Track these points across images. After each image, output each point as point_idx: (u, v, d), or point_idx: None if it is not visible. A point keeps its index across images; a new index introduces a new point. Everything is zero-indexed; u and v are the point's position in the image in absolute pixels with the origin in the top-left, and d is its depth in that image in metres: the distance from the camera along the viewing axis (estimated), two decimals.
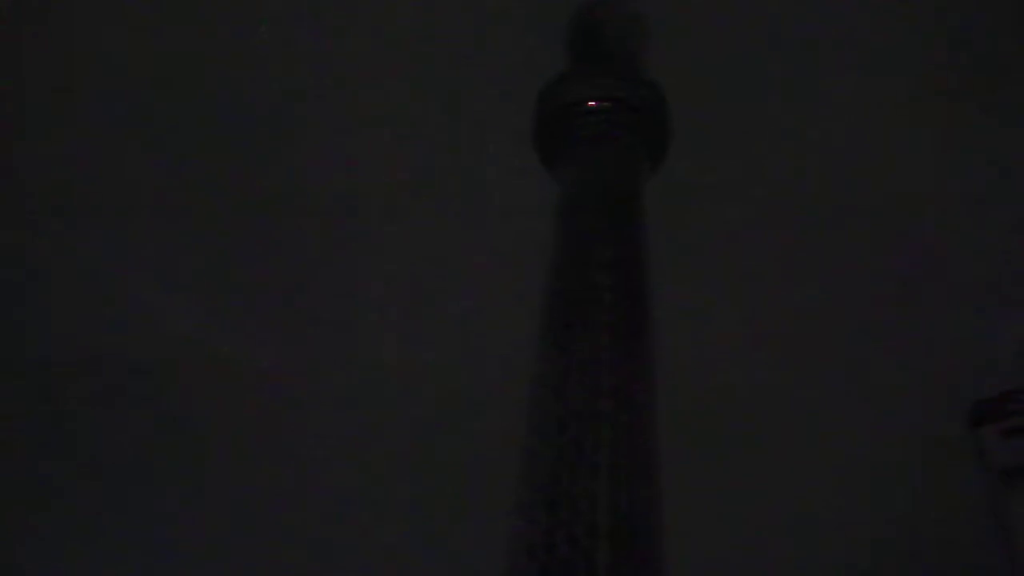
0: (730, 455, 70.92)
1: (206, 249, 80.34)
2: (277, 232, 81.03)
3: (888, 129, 79.67)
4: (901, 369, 73.20)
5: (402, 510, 72.14)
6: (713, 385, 72.87)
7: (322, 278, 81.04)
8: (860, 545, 66.04)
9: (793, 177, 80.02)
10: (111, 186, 79.71)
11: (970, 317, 71.79)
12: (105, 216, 79.22)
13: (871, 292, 77.36)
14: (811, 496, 69.74)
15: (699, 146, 72.15)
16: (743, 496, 70.22)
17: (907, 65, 78.73)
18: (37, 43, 77.37)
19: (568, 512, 35.03)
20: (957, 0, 76.62)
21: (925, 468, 63.37)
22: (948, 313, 73.42)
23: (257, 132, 79.49)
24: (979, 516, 47.57)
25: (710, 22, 77.15)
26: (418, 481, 72.13)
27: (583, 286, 43.55)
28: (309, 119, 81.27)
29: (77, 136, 79.19)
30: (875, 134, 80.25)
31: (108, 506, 71.74)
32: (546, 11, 65.60)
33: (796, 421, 72.98)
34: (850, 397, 73.45)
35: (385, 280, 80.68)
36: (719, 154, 78.27)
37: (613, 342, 40.74)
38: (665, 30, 65.44)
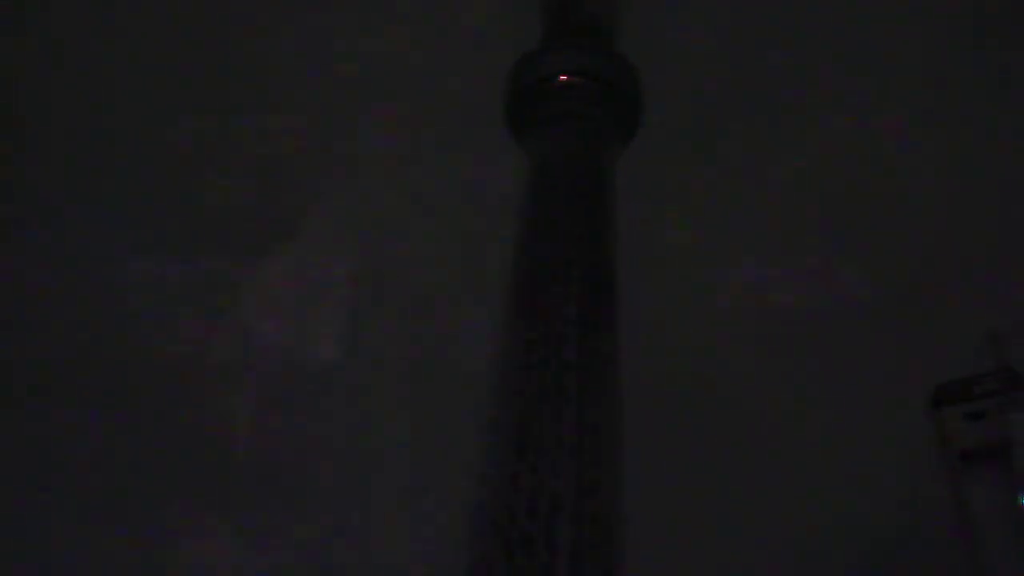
0: (704, 436, 71.35)
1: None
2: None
3: (875, 123, 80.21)
4: (870, 353, 73.81)
5: (366, 486, 72.27)
6: (692, 370, 73.24)
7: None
8: (822, 524, 66.69)
9: (777, 169, 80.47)
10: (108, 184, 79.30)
11: (940, 303, 72.40)
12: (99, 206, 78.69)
13: (844, 278, 77.92)
14: (780, 480, 70.31)
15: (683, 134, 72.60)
16: (713, 477, 70.71)
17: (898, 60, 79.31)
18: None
19: (530, 485, 34.89)
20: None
21: (888, 449, 63.95)
22: (919, 299, 74.01)
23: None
24: (939, 496, 48.08)
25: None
26: (385, 455, 72.31)
27: (550, 261, 43.33)
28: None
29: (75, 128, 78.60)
30: (860, 129, 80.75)
31: (105, 505, 71.20)
32: None
33: (772, 404, 73.49)
34: (823, 381, 73.98)
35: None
36: (703, 143, 78.62)
37: (579, 317, 40.54)
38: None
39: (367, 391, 76.98)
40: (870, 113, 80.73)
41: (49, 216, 78.15)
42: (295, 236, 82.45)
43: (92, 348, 75.91)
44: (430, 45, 79.29)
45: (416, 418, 73.59)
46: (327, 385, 77.65)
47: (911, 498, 59.87)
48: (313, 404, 77.14)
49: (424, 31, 79.57)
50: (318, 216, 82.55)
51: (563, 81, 52.72)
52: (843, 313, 76.86)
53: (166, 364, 76.60)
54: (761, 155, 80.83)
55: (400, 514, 69.47)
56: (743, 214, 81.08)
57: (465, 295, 71.37)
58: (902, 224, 78.46)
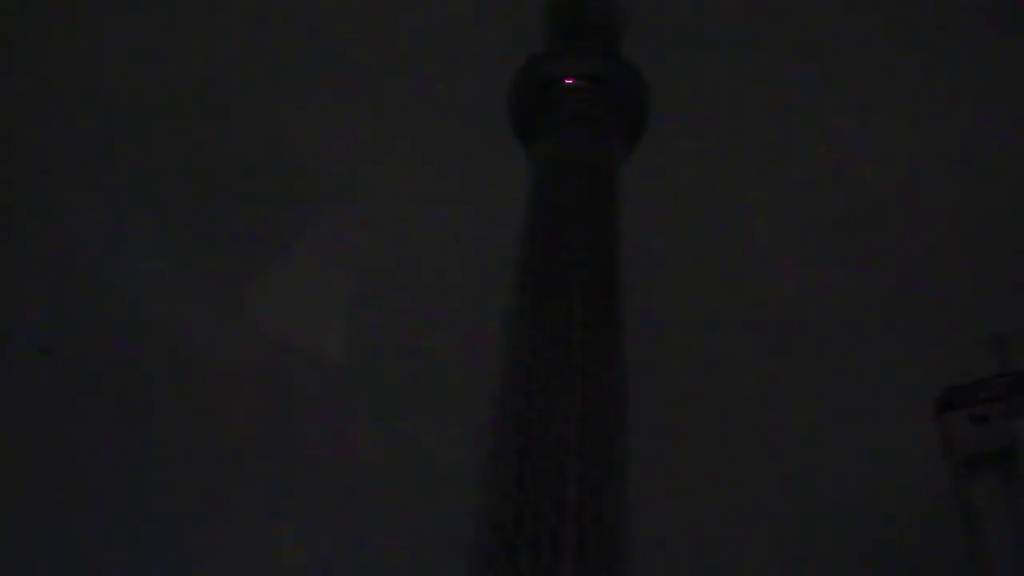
0: (710, 434, 71.42)
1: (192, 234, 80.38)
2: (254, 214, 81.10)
3: (881, 125, 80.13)
4: (876, 355, 73.79)
5: (372, 490, 72.26)
6: (695, 369, 73.30)
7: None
8: (824, 526, 66.76)
9: (787, 168, 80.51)
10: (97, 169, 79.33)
11: (946, 307, 72.31)
12: (88, 199, 78.73)
13: (849, 280, 77.91)
14: (786, 481, 70.35)
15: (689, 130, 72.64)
16: (721, 479, 70.79)
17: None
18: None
19: (535, 488, 34.89)
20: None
21: (892, 450, 63.92)
22: (925, 304, 73.97)
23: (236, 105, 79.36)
24: (943, 501, 47.97)
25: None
26: (387, 460, 72.28)
27: (556, 264, 43.42)
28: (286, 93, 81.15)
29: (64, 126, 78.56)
30: (869, 131, 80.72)
31: (100, 502, 71.26)
32: None
33: (778, 403, 73.51)
34: (830, 384, 73.96)
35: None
36: (707, 137, 78.63)
37: (584, 320, 40.62)
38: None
39: (372, 392, 77.11)
40: (877, 115, 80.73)
41: (59, 216, 78.36)
42: (302, 237, 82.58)
43: (97, 348, 76.05)
44: (435, 46, 79.43)
45: (421, 419, 73.73)
46: (333, 386, 77.71)
47: (913, 501, 59.85)
48: (319, 405, 77.25)
49: (429, 33, 79.75)
50: (325, 216, 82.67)
51: (568, 85, 52.78)
52: (848, 314, 76.92)
53: (173, 364, 76.82)
54: (770, 156, 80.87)
55: (403, 514, 69.60)
56: (748, 215, 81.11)
57: (472, 294, 71.42)
58: (906, 226, 78.47)
